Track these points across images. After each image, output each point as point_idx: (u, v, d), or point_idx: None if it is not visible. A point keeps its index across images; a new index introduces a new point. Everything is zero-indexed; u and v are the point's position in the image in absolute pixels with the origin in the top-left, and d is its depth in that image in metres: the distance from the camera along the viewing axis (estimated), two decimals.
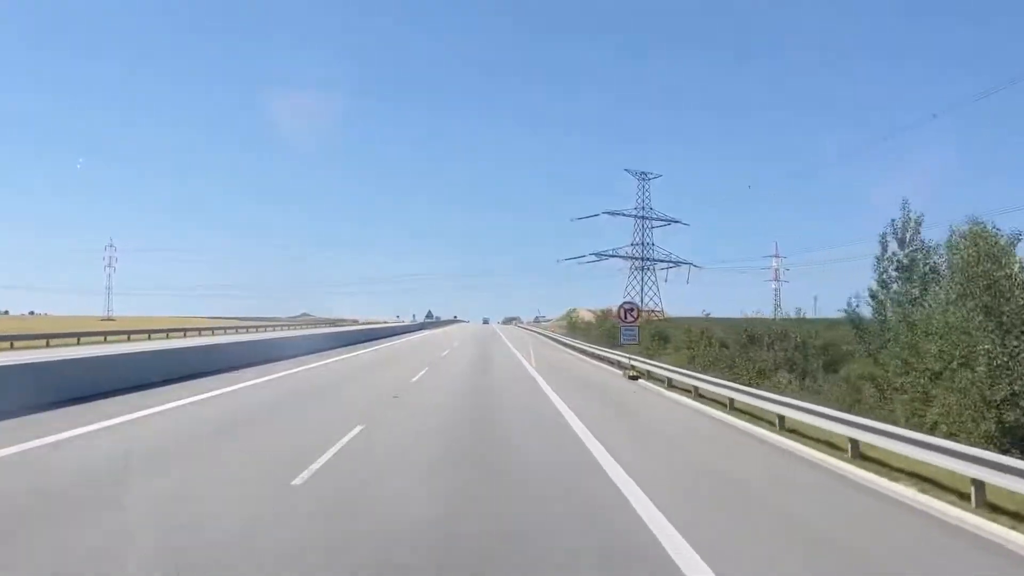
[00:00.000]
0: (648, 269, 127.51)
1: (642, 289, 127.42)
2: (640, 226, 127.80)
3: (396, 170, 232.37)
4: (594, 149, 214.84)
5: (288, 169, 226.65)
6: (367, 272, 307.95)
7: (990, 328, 13.59)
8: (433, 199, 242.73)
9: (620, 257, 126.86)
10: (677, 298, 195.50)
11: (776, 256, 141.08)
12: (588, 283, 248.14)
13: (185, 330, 58.33)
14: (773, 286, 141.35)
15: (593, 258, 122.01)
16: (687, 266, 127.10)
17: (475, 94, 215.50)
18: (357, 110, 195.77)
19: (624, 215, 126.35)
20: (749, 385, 19.24)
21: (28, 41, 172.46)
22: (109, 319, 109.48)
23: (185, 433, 12.83)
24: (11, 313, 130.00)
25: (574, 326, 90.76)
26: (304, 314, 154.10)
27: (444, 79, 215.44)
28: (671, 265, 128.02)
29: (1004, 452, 10.11)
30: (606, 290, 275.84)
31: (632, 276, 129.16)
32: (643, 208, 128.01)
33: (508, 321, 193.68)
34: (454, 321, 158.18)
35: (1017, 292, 13.54)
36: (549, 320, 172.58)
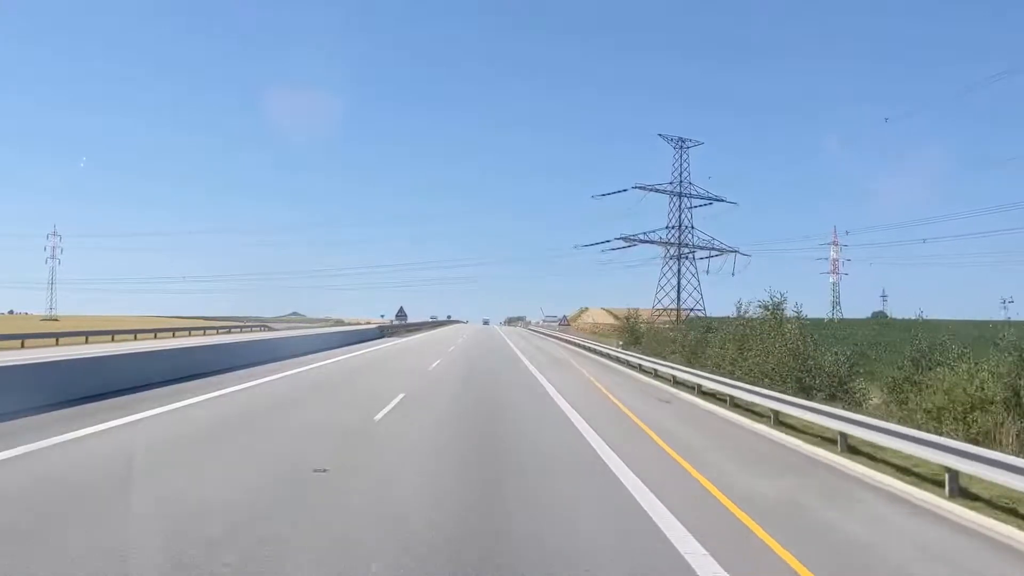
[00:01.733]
0: (686, 258, 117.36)
1: (679, 283, 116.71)
2: (677, 205, 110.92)
3: (389, 164, 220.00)
4: (620, 116, 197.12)
5: (279, 165, 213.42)
6: (364, 270, 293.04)
7: None
8: (433, 194, 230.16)
9: (653, 243, 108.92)
10: (720, 292, 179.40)
11: (835, 243, 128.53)
12: (605, 279, 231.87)
13: (114, 332, 47.08)
14: (831, 279, 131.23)
15: (620, 244, 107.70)
16: (732, 254, 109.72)
17: (476, 83, 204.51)
18: (349, 105, 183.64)
19: (658, 191, 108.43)
20: None
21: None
22: (51, 319, 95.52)
23: None
24: None
25: (634, 334, 57.25)
26: (294, 313, 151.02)
27: (444, 73, 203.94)
28: (713, 253, 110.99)
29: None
30: (629, 286, 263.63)
31: (666, 266, 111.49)
32: (680, 182, 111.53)
33: (512, 321, 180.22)
34: (447, 322, 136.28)
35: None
36: (558, 320, 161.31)
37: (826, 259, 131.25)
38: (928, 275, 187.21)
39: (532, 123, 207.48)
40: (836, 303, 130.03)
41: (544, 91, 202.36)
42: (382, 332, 57.98)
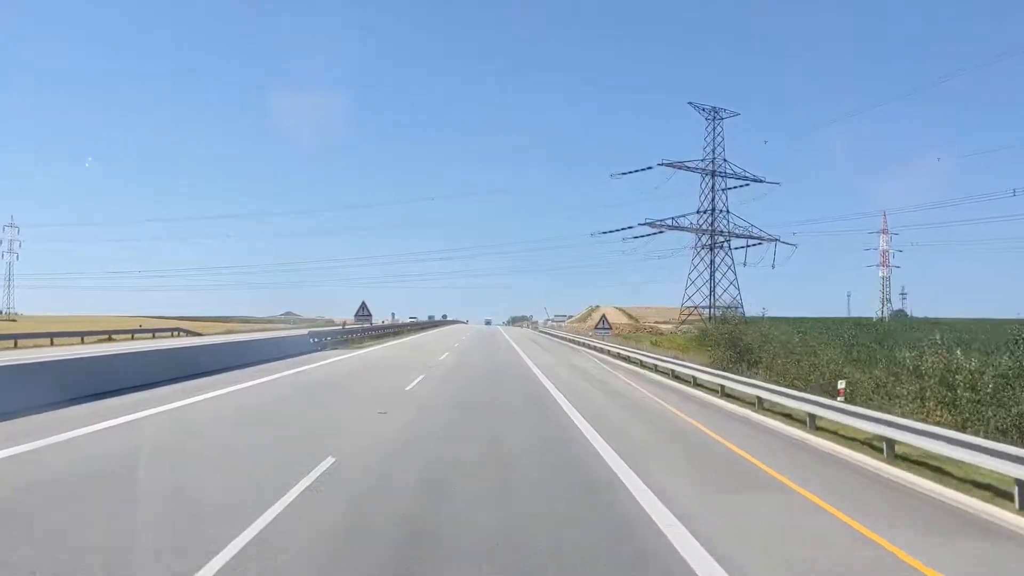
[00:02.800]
0: (720, 247, 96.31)
1: (712, 276, 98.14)
2: (709, 186, 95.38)
3: (384, 157, 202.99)
4: (641, 90, 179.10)
5: (278, 163, 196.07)
6: (362, 268, 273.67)
7: None
8: (432, 186, 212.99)
9: (682, 229, 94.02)
10: (759, 287, 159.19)
11: (884, 232, 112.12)
12: (618, 275, 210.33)
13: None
14: (881, 272, 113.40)
15: (645, 230, 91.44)
16: (772, 243, 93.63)
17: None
18: (348, 102, 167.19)
19: (688, 168, 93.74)
20: None
21: None
22: (10, 319, 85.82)
23: None
24: None
25: (735, 347, 38.47)
26: (288, 313, 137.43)
27: (442, 64, 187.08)
28: (752, 242, 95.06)
29: None
30: (642, 285, 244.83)
31: (697, 257, 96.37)
32: (714, 159, 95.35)
33: (516, 322, 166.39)
34: (441, 323, 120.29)
35: None
36: (565, 319, 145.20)
37: (875, 249, 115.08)
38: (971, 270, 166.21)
39: (543, 85, 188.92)
40: (887, 300, 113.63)
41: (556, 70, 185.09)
42: (321, 341, 38.65)
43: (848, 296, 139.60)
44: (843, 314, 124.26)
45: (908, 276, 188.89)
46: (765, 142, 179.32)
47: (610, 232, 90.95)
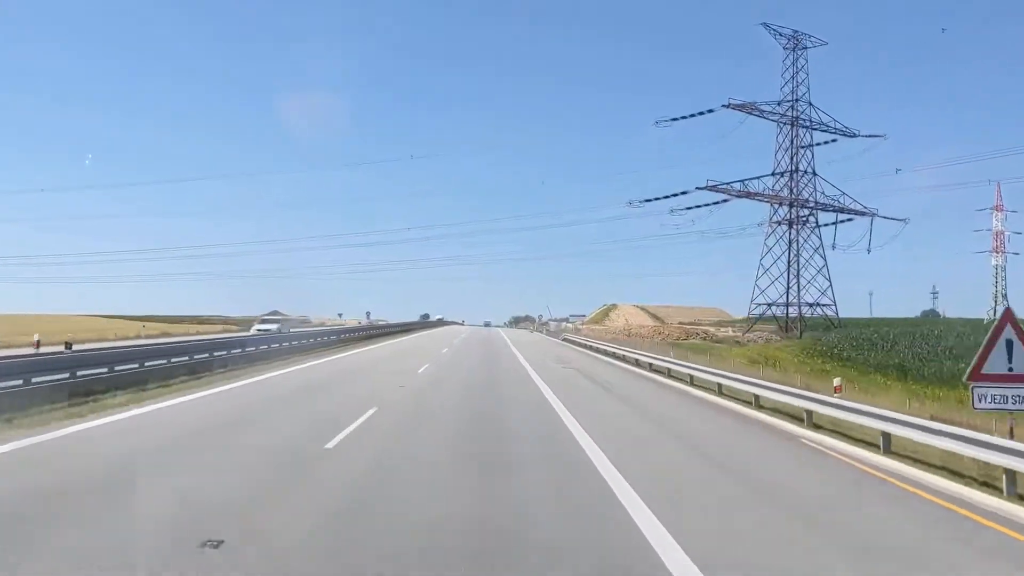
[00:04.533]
0: (804, 223, 69.58)
1: (797, 259, 68.25)
2: (789, 138, 69.01)
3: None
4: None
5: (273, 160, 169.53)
6: (356, 266, 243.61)
7: None
8: (434, 175, 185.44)
9: (755, 196, 67.85)
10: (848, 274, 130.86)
11: (998, 209, 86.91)
12: (638, 263, 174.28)
13: None
14: (993, 260, 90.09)
15: (707, 198, 65.71)
16: (869, 218, 67.89)
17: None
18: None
19: (762, 113, 68.19)
20: None
21: None
22: None
23: None
24: None
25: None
26: (275, 312, 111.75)
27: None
28: (842, 217, 69.30)
29: None
30: (668, 279, 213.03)
31: (774, 236, 69.04)
32: (794, 102, 69.31)
33: (517, 322, 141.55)
34: (430, 324, 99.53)
35: None
36: (580, 320, 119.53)
37: (985, 231, 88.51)
38: None
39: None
40: (1002, 295, 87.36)
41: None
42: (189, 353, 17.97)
43: (934, 292, 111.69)
44: (915, 314, 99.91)
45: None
46: (943, 30, 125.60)
47: (655, 200, 64.39)
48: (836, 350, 43.12)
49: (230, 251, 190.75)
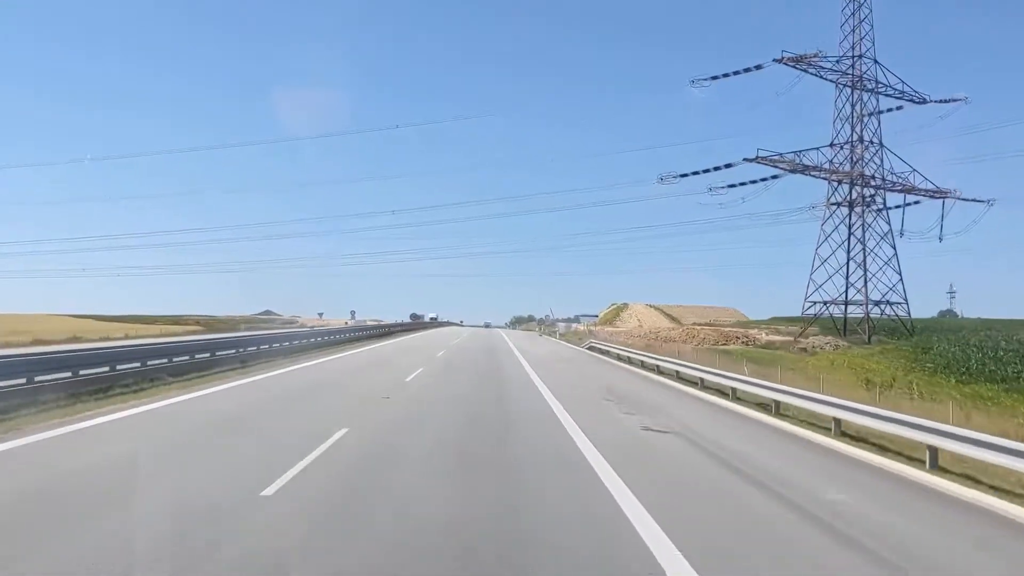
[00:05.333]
0: (868, 206, 56.83)
1: (863, 247, 55.87)
2: (850, 103, 56.78)
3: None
4: None
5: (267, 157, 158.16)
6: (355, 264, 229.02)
7: None
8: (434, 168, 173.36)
9: (812, 171, 55.22)
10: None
11: None
12: (651, 254, 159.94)
13: None
14: None
15: (754, 173, 53.43)
16: (941, 199, 56.15)
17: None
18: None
19: (820, 70, 55.85)
20: None
21: None
22: None
23: None
24: None
25: None
26: (267, 312, 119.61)
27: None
28: (911, 199, 57.34)
29: None
30: (678, 279, 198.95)
31: (830, 222, 57.11)
32: (855, 59, 56.76)
33: (518, 323, 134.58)
34: (428, 324, 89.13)
35: None
36: (594, 319, 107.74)
37: None
38: None
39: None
40: None
41: None
42: None
43: (951, 292, 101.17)
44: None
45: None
46: None
47: (692, 174, 52.49)
48: (966, 364, 31.15)
49: (207, 238, 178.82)
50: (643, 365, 25.38)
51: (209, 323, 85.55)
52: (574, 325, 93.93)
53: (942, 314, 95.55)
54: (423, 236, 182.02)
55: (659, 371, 23.29)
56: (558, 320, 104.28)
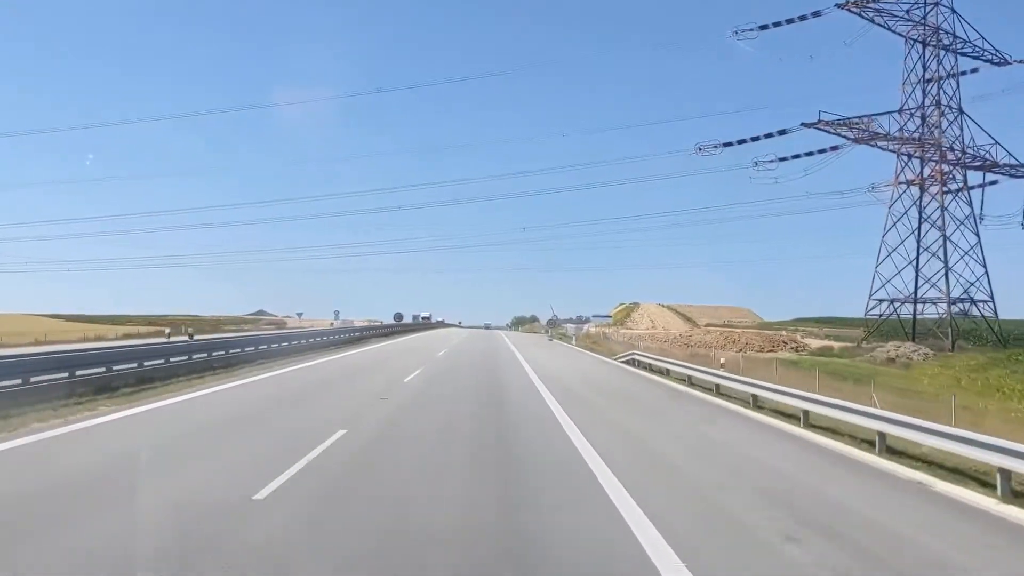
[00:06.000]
0: (946, 183, 46.72)
1: (944, 234, 45.73)
2: (923, 63, 47.41)
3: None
4: None
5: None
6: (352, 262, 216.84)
7: None
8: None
9: (882, 140, 45.05)
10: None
11: None
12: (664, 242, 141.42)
13: None
14: None
15: (814, 142, 44.23)
16: None
17: None
18: None
19: (886, 22, 46.27)
20: None
21: None
22: None
23: None
24: None
25: None
26: (260, 312, 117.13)
27: None
28: (991, 179, 47.43)
29: None
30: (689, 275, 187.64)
31: (901, 202, 47.39)
32: (929, 9, 47.16)
33: (520, 324, 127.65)
34: (419, 326, 79.21)
35: None
36: (608, 320, 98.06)
37: None
38: None
39: None
40: None
41: None
42: None
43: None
44: None
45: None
46: None
47: (739, 143, 42.92)
48: None
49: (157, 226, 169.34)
50: (719, 392, 15.62)
51: (187, 323, 77.21)
52: (585, 327, 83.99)
53: None
54: (415, 226, 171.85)
55: (756, 404, 13.95)
56: (564, 321, 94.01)
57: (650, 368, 25.18)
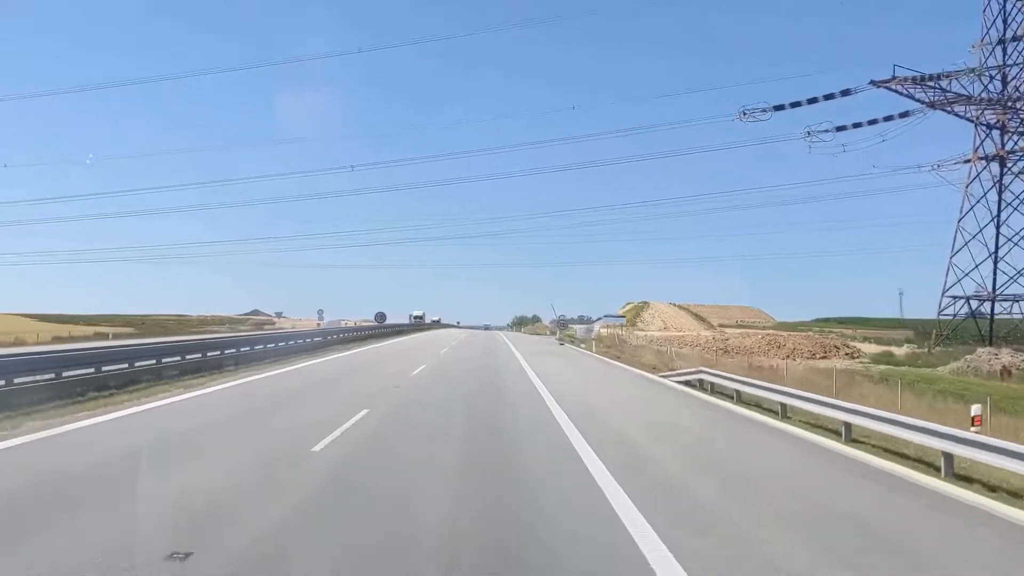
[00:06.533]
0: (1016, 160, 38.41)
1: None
2: (1010, 16, 38.50)
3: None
4: None
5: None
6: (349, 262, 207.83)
7: None
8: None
9: (953, 108, 36.73)
10: None
11: None
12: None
13: None
14: None
15: (903, 102, 35.91)
16: None
17: None
18: None
19: None
20: None
21: None
22: None
23: None
24: None
25: None
26: (255, 311, 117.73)
27: None
28: None
29: None
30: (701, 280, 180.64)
31: (973, 189, 39.25)
32: None
33: (521, 324, 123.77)
34: (400, 329, 70.04)
35: None
36: (619, 320, 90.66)
37: None
38: None
39: None
40: None
41: None
42: None
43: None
44: None
45: None
46: None
47: (792, 106, 35.62)
48: None
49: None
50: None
51: (165, 324, 70.69)
52: (595, 328, 76.23)
53: None
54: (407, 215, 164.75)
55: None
56: (569, 321, 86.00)
57: (714, 388, 17.25)
